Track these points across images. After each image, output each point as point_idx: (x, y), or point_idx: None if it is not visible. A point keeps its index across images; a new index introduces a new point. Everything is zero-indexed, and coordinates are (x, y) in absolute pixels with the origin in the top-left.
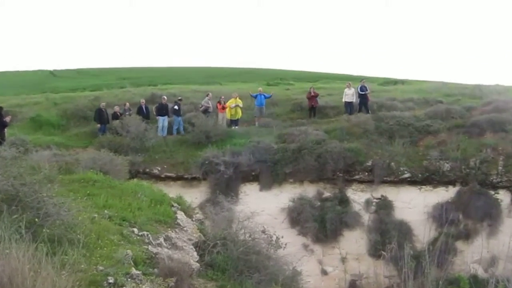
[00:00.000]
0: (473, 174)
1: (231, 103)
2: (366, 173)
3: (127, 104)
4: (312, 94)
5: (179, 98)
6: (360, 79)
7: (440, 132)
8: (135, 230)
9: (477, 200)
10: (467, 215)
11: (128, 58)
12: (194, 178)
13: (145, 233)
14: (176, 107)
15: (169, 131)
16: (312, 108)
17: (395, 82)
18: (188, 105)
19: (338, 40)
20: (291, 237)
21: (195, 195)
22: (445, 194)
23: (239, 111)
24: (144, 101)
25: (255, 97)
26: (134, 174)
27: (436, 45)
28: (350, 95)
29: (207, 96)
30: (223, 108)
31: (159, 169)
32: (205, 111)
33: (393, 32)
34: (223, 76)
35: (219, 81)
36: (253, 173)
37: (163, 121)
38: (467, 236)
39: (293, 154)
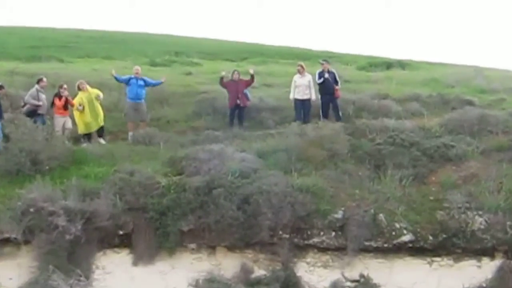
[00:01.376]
0: None
1: (79, 99)
2: (333, 234)
3: None
4: (236, 80)
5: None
6: (322, 58)
7: (468, 158)
8: None
9: None
10: None
11: None
12: (6, 241)
13: None
14: None
15: None
16: (237, 109)
17: (388, 64)
18: None
19: None
20: None
21: (8, 273)
22: (476, 273)
23: (100, 111)
24: None
25: (127, 82)
26: None
27: (462, 9)
28: (303, 87)
29: (37, 83)
30: (65, 106)
31: None
32: (32, 112)
33: None
34: (65, 46)
35: (56, 55)
36: (121, 232)
37: None
38: None
39: (196, 196)
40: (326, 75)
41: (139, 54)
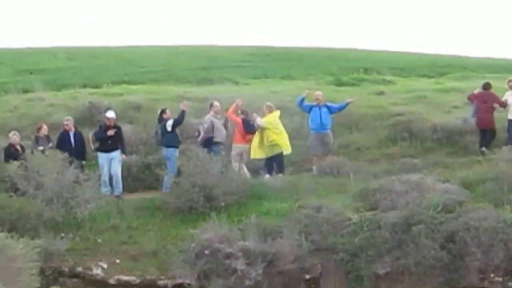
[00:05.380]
0: None
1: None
2: None
3: (44, 127)
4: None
5: (165, 107)
6: None
7: None
8: None
9: None
10: None
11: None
12: (179, 287)
13: None
14: (170, 124)
15: (128, 184)
16: (491, 134)
17: None
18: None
19: None
20: None
21: None
22: None
23: (279, 137)
24: (70, 121)
25: (309, 110)
26: (51, 277)
27: None
28: None
29: (211, 108)
30: (245, 135)
31: (106, 267)
32: (208, 141)
33: None
34: (239, 66)
35: (230, 76)
36: (307, 276)
37: (109, 162)
38: None
39: (393, 234)
40: None
41: (323, 72)
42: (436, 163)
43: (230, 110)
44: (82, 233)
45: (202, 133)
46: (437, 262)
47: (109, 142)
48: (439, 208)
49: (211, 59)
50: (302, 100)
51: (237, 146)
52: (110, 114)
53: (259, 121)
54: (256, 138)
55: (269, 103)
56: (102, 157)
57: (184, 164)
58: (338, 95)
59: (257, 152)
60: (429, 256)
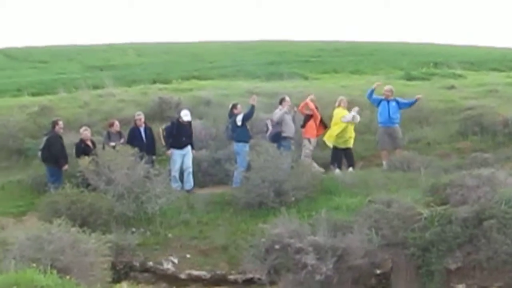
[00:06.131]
0: None
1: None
2: None
3: (116, 123)
4: None
5: (236, 102)
6: None
7: None
8: None
9: None
10: None
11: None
12: (249, 281)
13: None
14: (240, 119)
15: (198, 178)
16: None
17: None
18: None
19: None
20: None
21: None
22: None
23: (350, 130)
24: (141, 116)
25: (378, 104)
26: (123, 272)
27: None
28: None
29: (282, 103)
30: (320, 129)
31: (176, 261)
32: (276, 136)
33: None
34: (308, 61)
35: (299, 71)
36: (378, 271)
37: (182, 158)
38: None
39: (464, 229)
40: None
41: (392, 66)
42: (508, 158)
43: (311, 104)
44: (153, 228)
45: (270, 128)
46: (509, 257)
47: (183, 138)
48: (511, 203)
49: (280, 54)
50: (372, 92)
51: (315, 140)
52: (186, 117)
53: (357, 115)
54: (336, 128)
55: (343, 97)
56: (176, 153)
57: (254, 159)
58: (408, 89)
59: (330, 140)
60: (501, 251)
